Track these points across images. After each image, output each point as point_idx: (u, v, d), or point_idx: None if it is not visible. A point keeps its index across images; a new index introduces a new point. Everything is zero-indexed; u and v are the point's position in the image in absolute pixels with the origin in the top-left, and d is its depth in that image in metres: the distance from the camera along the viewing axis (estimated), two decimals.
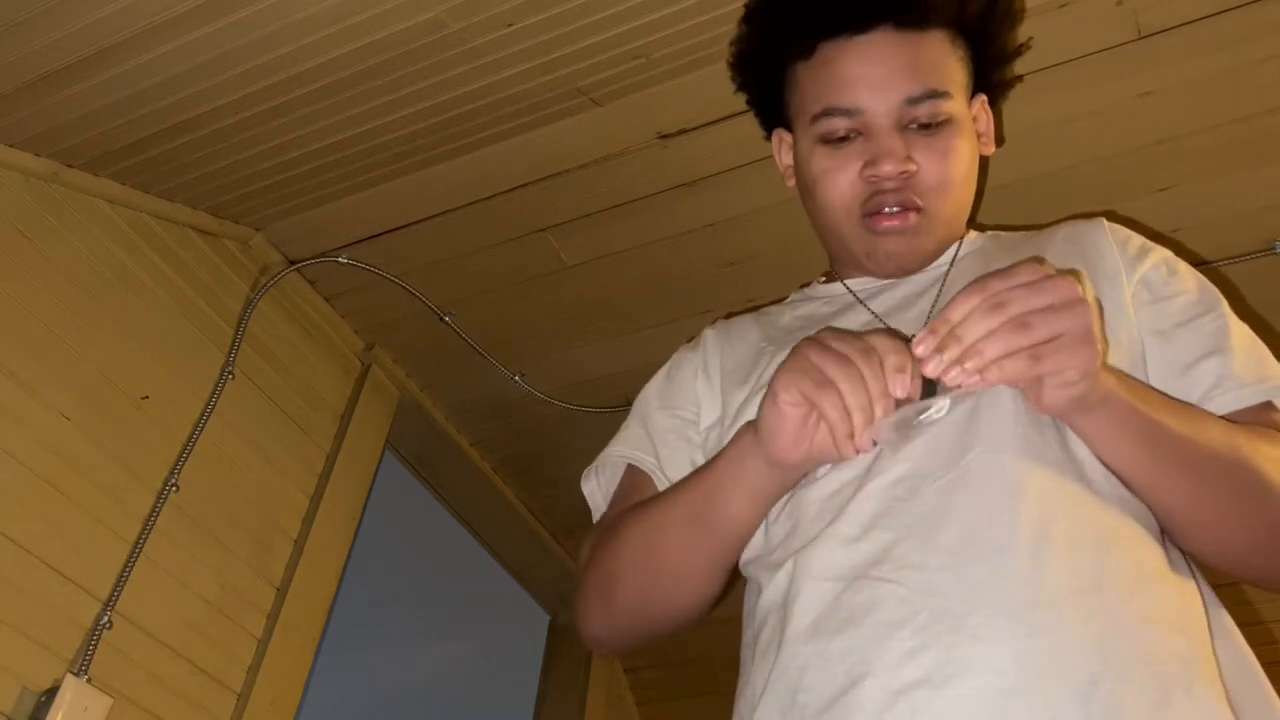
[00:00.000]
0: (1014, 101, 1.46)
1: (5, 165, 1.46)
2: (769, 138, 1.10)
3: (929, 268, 0.99)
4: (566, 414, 2.09)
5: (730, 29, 1.38)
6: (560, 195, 1.70)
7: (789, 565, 0.81)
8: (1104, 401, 0.73)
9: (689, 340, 1.10)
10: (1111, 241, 0.94)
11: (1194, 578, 0.78)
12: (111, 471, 1.47)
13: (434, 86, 1.47)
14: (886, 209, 0.93)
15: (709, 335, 1.07)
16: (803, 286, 1.12)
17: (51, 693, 1.30)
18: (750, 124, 1.54)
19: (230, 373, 1.70)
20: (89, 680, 1.34)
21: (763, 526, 0.88)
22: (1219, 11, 1.34)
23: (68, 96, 1.41)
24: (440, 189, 1.71)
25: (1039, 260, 0.71)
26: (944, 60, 0.95)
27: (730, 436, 0.88)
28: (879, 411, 0.70)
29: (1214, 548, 0.78)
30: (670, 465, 0.97)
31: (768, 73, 1.04)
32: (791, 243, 1.74)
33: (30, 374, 1.39)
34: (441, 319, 1.96)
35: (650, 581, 0.88)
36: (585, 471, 1.05)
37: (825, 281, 1.09)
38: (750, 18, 1.08)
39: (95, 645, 1.36)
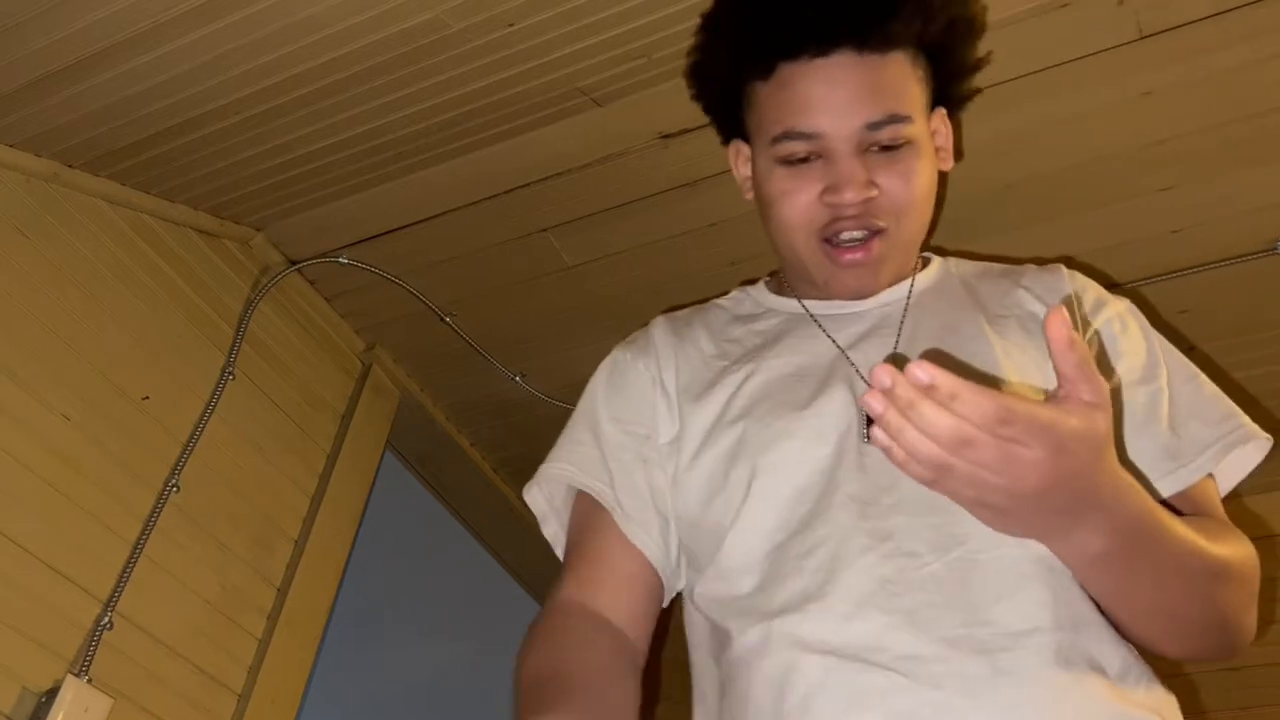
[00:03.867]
0: (1015, 101, 1.46)
1: (5, 165, 1.46)
2: (726, 146, 1.08)
3: (886, 292, 0.98)
4: (567, 414, 2.08)
5: None
6: (561, 195, 1.70)
7: (764, 628, 0.79)
8: (1062, 542, 0.72)
9: (630, 338, 1.06)
10: (1071, 291, 0.95)
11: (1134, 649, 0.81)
12: (112, 472, 1.47)
13: (435, 86, 1.47)
14: (847, 234, 0.92)
15: (658, 338, 1.03)
16: (744, 284, 1.10)
17: (52, 693, 1.30)
18: None
19: (231, 373, 1.70)
20: (89, 681, 1.34)
21: (726, 575, 0.86)
22: (1219, 12, 1.34)
23: (68, 97, 1.41)
24: (441, 189, 1.71)
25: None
26: (905, 82, 0.93)
27: (690, 454, 0.90)
28: None
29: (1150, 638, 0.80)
30: (624, 490, 0.94)
31: (725, 87, 1.02)
32: None
33: (30, 374, 1.39)
34: (442, 319, 1.96)
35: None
36: (529, 484, 1.01)
37: (775, 290, 1.07)
38: (708, 28, 1.04)
39: (96, 646, 1.36)
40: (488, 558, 2.52)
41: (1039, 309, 0.94)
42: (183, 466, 1.57)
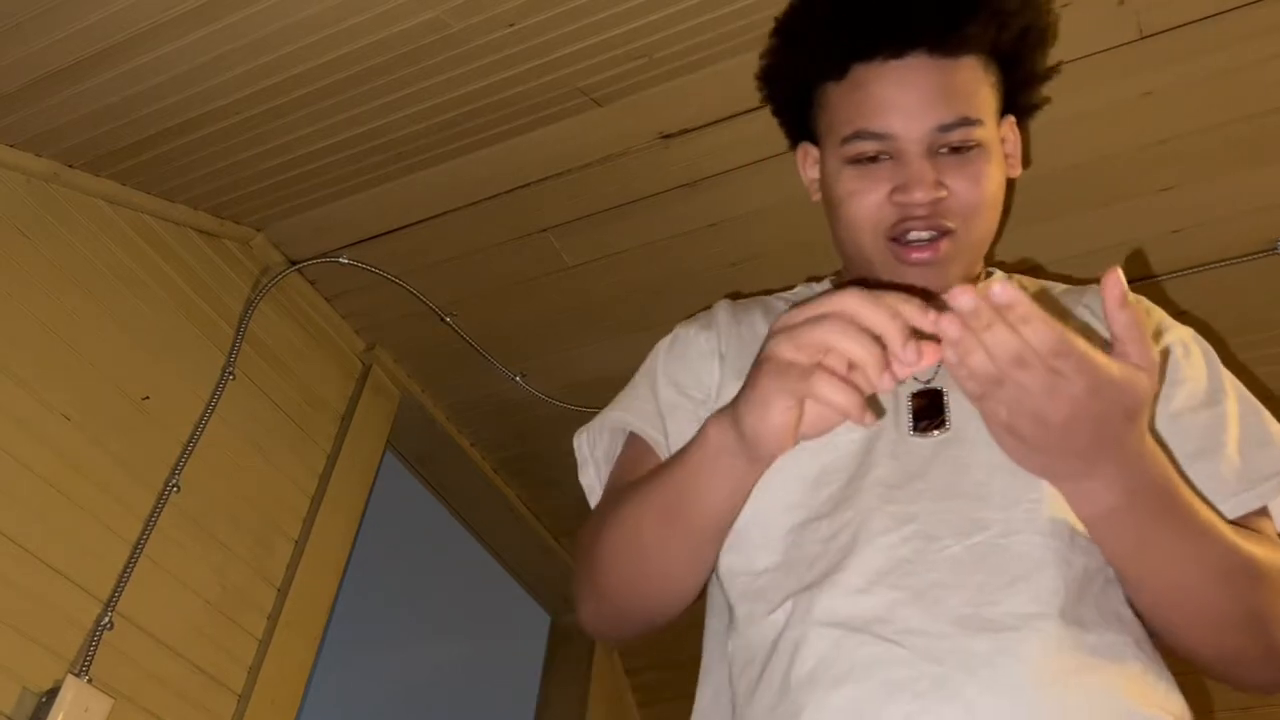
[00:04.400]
0: None
1: (6, 165, 1.46)
2: (794, 149, 1.09)
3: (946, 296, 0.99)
4: (567, 414, 2.09)
5: (731, 28, 1.39)
6: (561, 195, 1.70)
7: (787, 606, 0.81)
8: (1083, 493, 0.72)
9: (694, 316, 1.08)
10: None
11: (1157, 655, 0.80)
12: (112, 472, 1.47)
13: (435, 86, 1.47)
14: (915, 235, 0.92)
15: (722, 319, 1.04)
16: (810, 280, 1.11)
17: (52, 693, 1.30)
18: (752, 124, 1.55)
19: (231, 373, 1.70)
20: (90, 681, 1.34)
21: (742, 548, 0.87)
22: (1219, 12, 1.34)
23: (68, 97, 1.41)
24: (441, 189, 1.71)
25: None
26: (976, 87, 0.94)
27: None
28: (881, 361, 0.67)
29: (1181, 632, 0.79)
30: (677, 442, 0.94)
31: (797, 89, 1.03)
32: (793, 243, 1.74)
33: (30, 374, 1.39)
34: (442, 319, 1.96)
35: (633, 577, 0.88)
36: (581, 429, 1.03)
37: (837, 286, 1.07)
38: (782, 32, 1.05)
39: (96, 646, 1.36)
40: (488, 558, 2.52)
41: (1097, 326, 0.93)
42: (183, 466, 1.57)
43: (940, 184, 0.90)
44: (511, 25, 1.36)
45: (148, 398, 1.55)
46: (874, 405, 0.87)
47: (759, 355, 0.73)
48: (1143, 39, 1.38)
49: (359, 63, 1.41)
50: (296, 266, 1.87)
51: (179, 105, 1.46)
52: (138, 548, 1.46)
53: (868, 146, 0.93)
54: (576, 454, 1.03)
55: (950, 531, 0.79)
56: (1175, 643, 0.79)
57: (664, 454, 0.95)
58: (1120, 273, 0.65)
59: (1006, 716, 0.71)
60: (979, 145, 0.92)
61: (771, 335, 0.72)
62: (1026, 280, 1.05)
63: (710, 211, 1.71)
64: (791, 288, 1.11)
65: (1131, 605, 0.80)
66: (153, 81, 1.41)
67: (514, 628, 2.74)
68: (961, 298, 0.63)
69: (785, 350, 0.70)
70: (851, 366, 0.68)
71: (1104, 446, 0.68)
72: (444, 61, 1.42)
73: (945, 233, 0.92)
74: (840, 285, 1.05)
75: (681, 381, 0.99)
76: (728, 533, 0.85)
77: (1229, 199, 1.59)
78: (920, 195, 0.90)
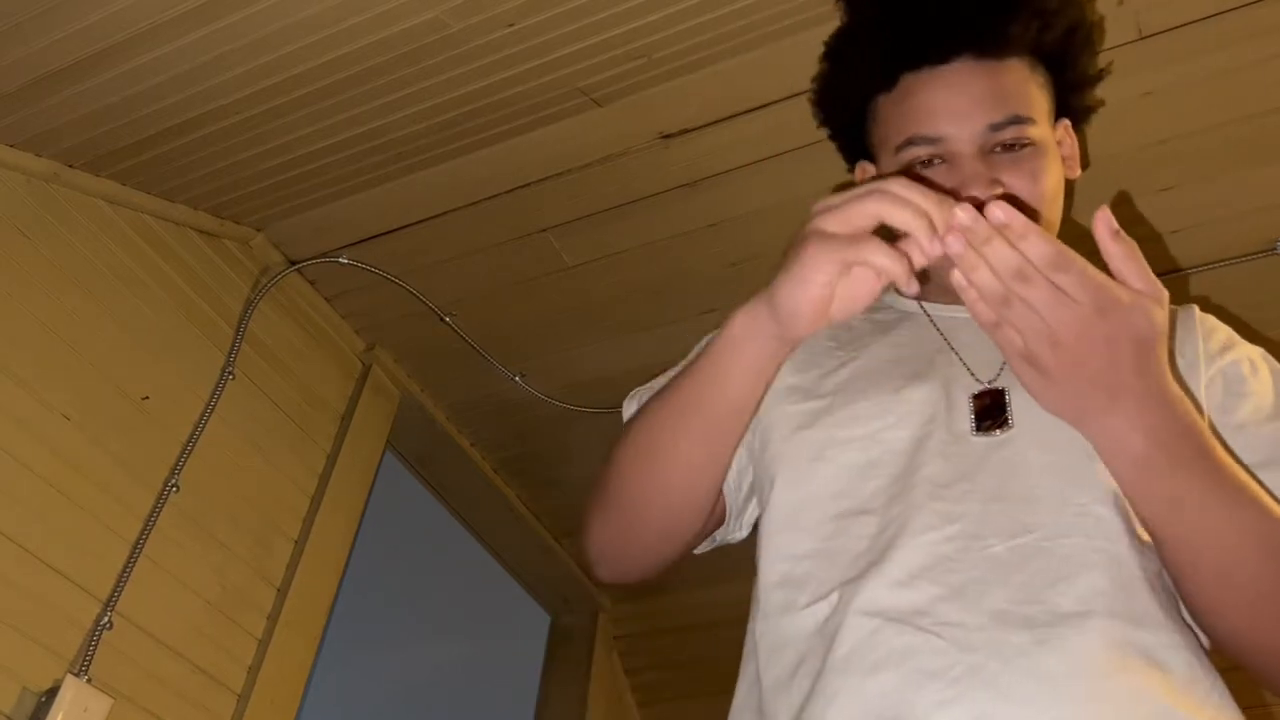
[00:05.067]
0: None
1: (6, 165, 1.46)
2: (852, 170, 1.10)
3: None
4: (567, 414, 2.09)
5: (731, 28, 1.39)
6: (561, 195, 1.70)
7: (832, 599, 0.81)
8: (1107, 431, 0.72)
9: None
10: (1199, 332, 0.93)
11: (1210, 663, 0.78)
12: (112, 471, 1.47)
13: (435, 87, 1.47)
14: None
15: None
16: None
17: (52, 693, 1.29)
18: (752, 124, 1.55)
19: (230, 373, 1.70)
20: (89, 680, 1.34)
21: (789, 529, 0.88)
22: (1219, 12, 1.34)
23: (68, 97, 1.41)
24: (441, 189, 1.71)
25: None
26: (1024, 87, 0.95)
27: (772, 403, 0.92)
28: (930, 228, 0.70)
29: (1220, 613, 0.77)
30: None
31: (850, 107, 1.04)
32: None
33: (30, 374, 1.39)
34: (442, 319, 1.96)
35: (644, 478, 0.89)
36: (632, 391, 1.04)
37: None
38: (831, 54, 1.07)
39: (95, 645, 1.36)
40: (487, 558, 2.52)
41: (1185, 352, 0.92)
42: (183, 466, 1.57)
43: (996, 181, 0.91)
44: (511, 25, 1.36)
45: (147, 397, 1.55)
46: (927, 405, 0.89)
47: (800, 233, 0.75)
48: (1143, 39, 1.38)
49: (359, 63, 1.41)
50: (296, 266, 1.87)
51: (179, 105, 1.46)
52: (137, 547, 1.46)
53: (921, 151, 0.94)
54: (624, 415, 1.03)
55: (995, 532, 0.79)
56: (1218, 631, 0.77)
57: None
58: (1108, 210, 0.67)
59: (1040, 705, 0.70)
60: (1032, 143, 0.93)
61: (814, 215, 0.74)
62: None
63: (710, 211, 1.71)
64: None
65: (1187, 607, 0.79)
66: (153, 81, 1.41)
67: (514, 628, 2.74)
68: (960, 213, 0.67)
69: (831, 223, 0.73)
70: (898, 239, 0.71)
71: (1119, 374, 0.69)
72: (444, 61, 1.42)
73: None
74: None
75: None
76: (741, 431, 0.87)
77: (1229, 199, 1.59)
78: (978, 193, 0.89)
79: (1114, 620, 0.74)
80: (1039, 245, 0.67)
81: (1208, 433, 0.73)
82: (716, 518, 0.97)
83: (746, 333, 0.81)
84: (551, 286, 1.88)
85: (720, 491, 0.95)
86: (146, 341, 1.58)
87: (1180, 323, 0.95)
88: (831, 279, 0.73)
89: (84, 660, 1.35)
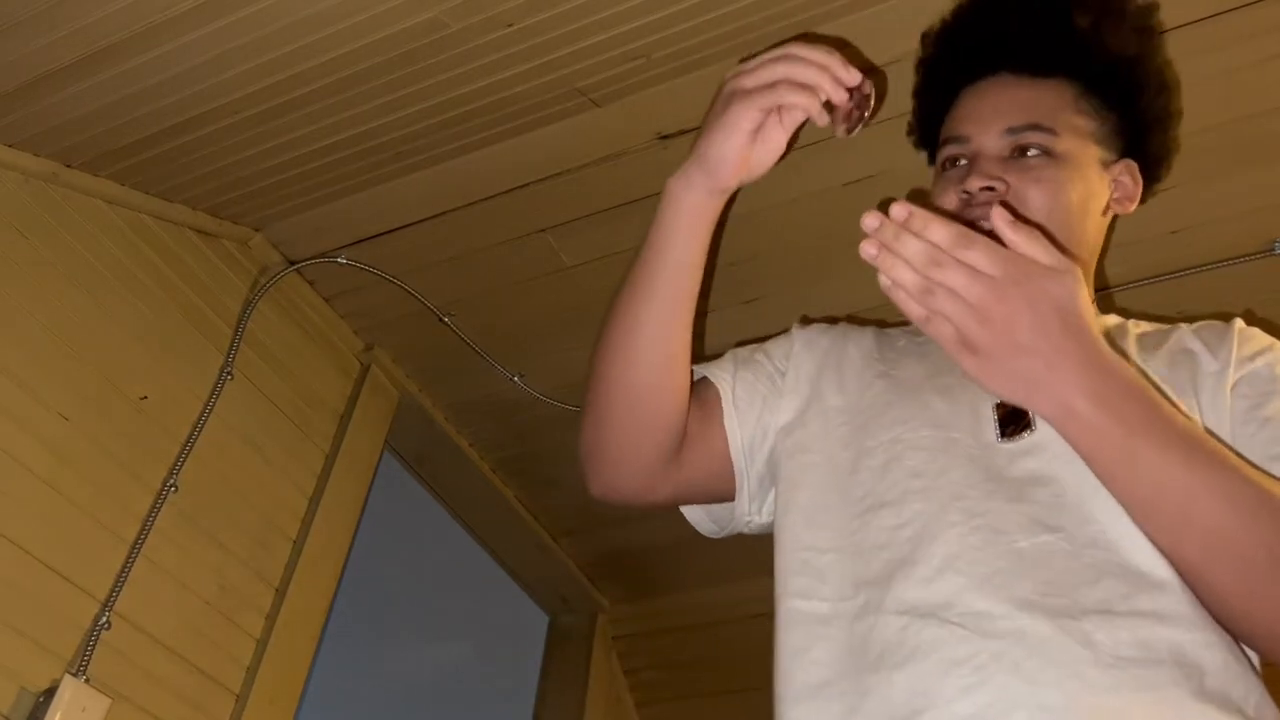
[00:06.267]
0: None
1: (4, 165, 1.46)
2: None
3: None
4: (566, 414, 2.09)
5: (730, 28, 1.39)
6: (560, 195, 1.70)
7: (860, 599, 0.83)
8: (1041, 402, 0.74)
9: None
10: (1235, 339, 0.94)
11: (1252, 667, 0.78)
12: (110, 472, 1.47)
13: (434, 86, 1.47)
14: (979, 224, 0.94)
15: (825, 325, 1.13)
16: None
17: (50, 693, 1.29)
18: None
19: (229, 373, 1.69)
20: (87, 681, 1.34)
21: (813, 520, 0.91)
22: (1219, 12, 1.34)
23: (67, 96, 1.41)
24: (440, 189, 1.71)
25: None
26: (1056, 105, 1.01)
27: (798, 409, 0.99)
28: (832, 75, 0.82)
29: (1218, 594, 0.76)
30: (741, 384, 1.04)
31: (933, 121, 1.13)
32: (792, 243, 1.74)
33: (29, 374, 1.39)
34: (441, 319, 1.96)
35: (616, 353, 0.96)
36: None
37: None
38: (918, 71, 1.18)
39: (94, 646, 1.36)
40: (486, 558, 2.52)
41: (1198, 348, 0.93)
42: (181, 466, 1.56)
43: (999, 178, 0.96)
44: (510, 25, 1.36)
45: (146, 397, 1.55)
46: (956, 416, 0.92)
47: (718, 93, 0.88)
48: None
49: (358, 63, 1.41)
50: (295, 266, 1.87)
51: (178, 105, 1.46)
52: (136, 547, 1.46)
53: (952, 149, 1.03)
54: None
55: (1018, 529, 0.81)
56: (1207, 597, 0.76)
57: (725, 388, 1.04)
58: (1000, 208, 0.74)
59: (1064, 690, 0.71)
60: (1053, 155, 0.98)
61: (729, 79, 0.87)
62: (1144, 327, 1.04)
63: None
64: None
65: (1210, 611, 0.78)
66: (151, 81, 1.40)
67: (512, 628, 2.74)
68: (867, 219, 0.73)
69: (745, 81, 0.85)
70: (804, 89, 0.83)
71: (1050, 338, 0.71)
72: (442, 61, 1.42)
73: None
74: None
75: (773, 353, 1.09)
76: (692, 289, 0.94)
77: (1228, 199, 1.59)
78: (975, 183, 0.96)
79: (1142, 618, 0.75)
80: (939, 230, 0.72)
81: (1153, 391, 0.75)
82: (720, 472, 1.02)
83: (680, 188, 0.91)
84: (550, 287, 1.88)
85: (693, 385, 1.01)
86: (145, 341, 1.58)
87: (1218, 331, 0.96)
88: (753, 126, 0.85)
89: (82, 660, 1.34)
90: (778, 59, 0.83)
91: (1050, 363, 0.71)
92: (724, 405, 1.03)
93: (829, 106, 0.84)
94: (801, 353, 1.07)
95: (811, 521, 0.91)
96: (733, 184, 0.89)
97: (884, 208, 0.74)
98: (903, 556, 0.82)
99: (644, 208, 1.71)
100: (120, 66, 1.37)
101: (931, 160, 1.14)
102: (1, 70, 1.35)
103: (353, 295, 1.95)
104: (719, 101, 0.87)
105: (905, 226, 0.72)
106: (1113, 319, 1.05)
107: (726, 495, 1.04)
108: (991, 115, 1.01)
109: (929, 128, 1.14)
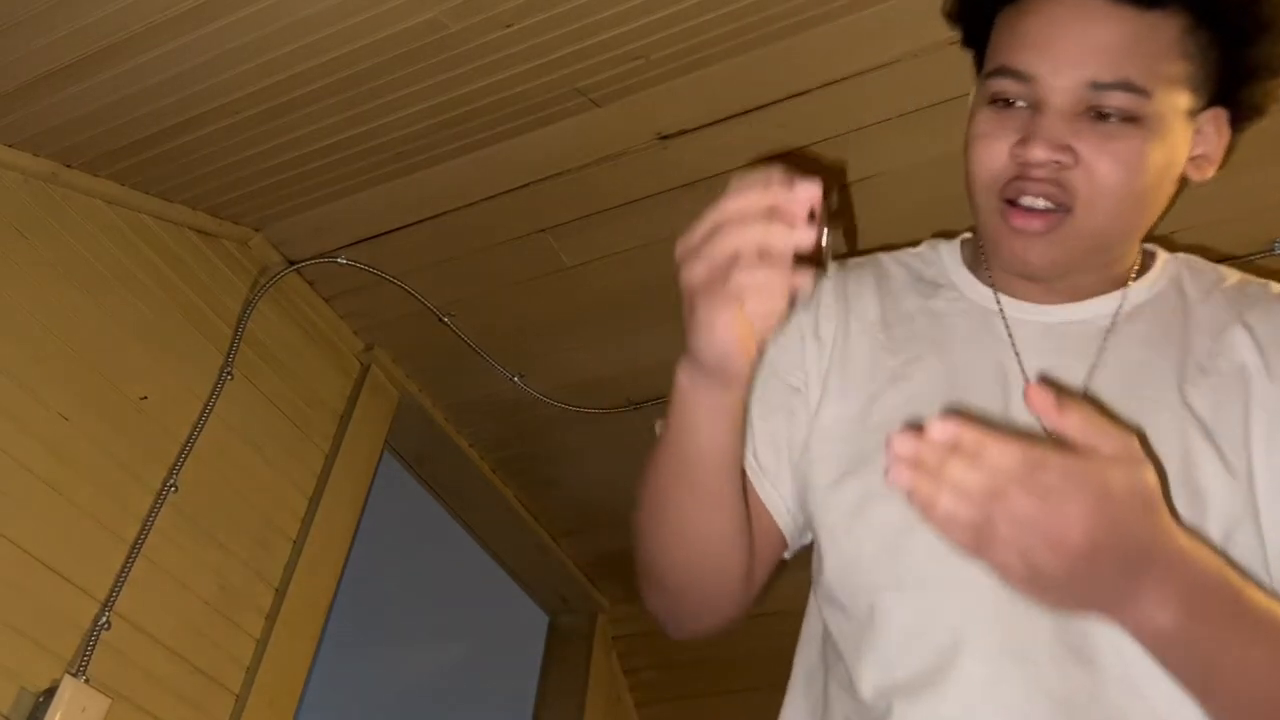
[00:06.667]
0: None
1: (4, 165, 1.46)
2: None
3: (1093, 302, 0.86)
4: (566, 414, 2.09)
5: (730, 28, 1.39)
6: (560, 195, 1.70)
7: (884, 706, 0.77)
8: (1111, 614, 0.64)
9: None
10: None
11: None
12: (110, 472, 1.47)
13: (434, 87, 1.47)
14: (1028, 200, 0.80)
15: (825, 294, 0.95)
16: (937, 236, 0.99)
17: (50, 693, 1.29)
18: (750, 125, 1.55)
19: (229, 373, 1.69)
20: (87, 681, 1.34)
21: (827, 553, 0.85)
22: None
23: (67, 96, 1.41)
24: (440, 189, 1.71)
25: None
26: (1161, 51, 0.78)
27: (820, 432, 0.87)
28: (783, 231, 0.66)
29: None
30: (763, 442, 0.90)
31: (978, 12, 0.89)
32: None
33: (29, 374, 1.39)
34: (441, 319, 1.96)
35: (670, 549, 0.84)
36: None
37: (968, 261, 0.94)
38: None
39: (94, 646, 1.36)
40: (486, 558, 2.52)
41: (1252, 361, 0.81)
42: (181, 466, 1.56)
43: (1068, 148, 0.77)
44: (509, 26, 1.36)
45: (146, 398, 1.55)
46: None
47: (684, 288, 0.72)
48: None
49: (357, 63, 1.41)
50: (295, 267, 1.87)
51: (178, 105, 1.46)
52: (135, 548, 1.46)
53: (1007, 85, 0.80)
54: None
55: (1058, 647, 0.74)
56: None
57: (749, 462, 0.89)
58: (1038, 387, 0.59)
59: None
60: (1138, 120, 0.78)
61: (680, 264, 0.73)
62: (1200, 266, 0.93)
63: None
64: (917, 244, 1.00)
65: None
66: (151, 81, 1.40)
67: (512, 628, 2.74)
68: (898, 445, 0.58)
69: (699, 273, 0.71)
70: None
71: (1140, 552, 0.60)
72: (442, 62, 1.42)
73: (1064, 210, 0.79)
74: (972, 260, 0.95)
75: (780, 368, 0.93)
76: (734, 477, 0.81)
77: (1228, 199, 1.59)
78: (1038, 153, 0.77)
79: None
80: (1004, 454, 0.57)
81: (1233, 575, 0.65)
82: (775, 550, 0.92)
83: (691, 384, 0.76)
84: (550, 287, 1.88)
85: (753, 546, 0.88)
86: (145, 341, 1.58)
87: (1275, 324, 0.85)
88: (733, 315, 0.69)
89: (82, 660, 1.34)
90: (715, 231, 0.70)
91: (1136, 578, 0.61)
92: (751, 479, 0.89)
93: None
94: (799, 345, 0.93)
95: (828, 594, 0.86)
96: (746, 370, 0.73)
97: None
98: (930, 665, 0.76)
99: (644, 208, 1.71)
100: (120, 66, 1.37)
101: (970, 52, 0.92)
102: (1, 70, 1.35)
103: (353, 295, 1.95)
104: (684, 292, 0.73)
105: (954, 450, 0.58)
106: (1158, 270, 0.91)
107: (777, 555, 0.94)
108: (1074, 57, 0.77)
109: (981, 19, 0.88)
